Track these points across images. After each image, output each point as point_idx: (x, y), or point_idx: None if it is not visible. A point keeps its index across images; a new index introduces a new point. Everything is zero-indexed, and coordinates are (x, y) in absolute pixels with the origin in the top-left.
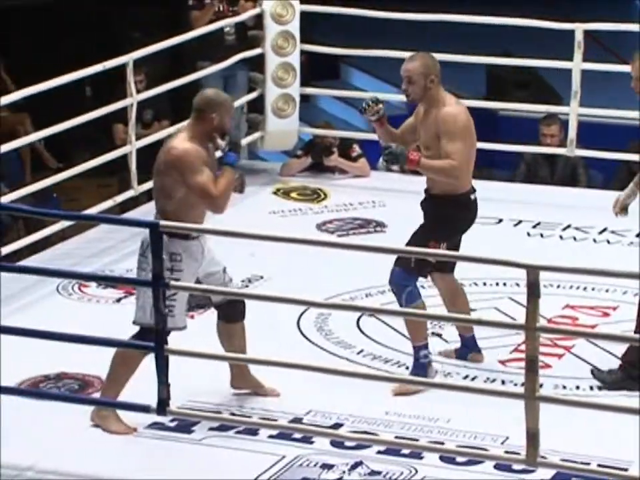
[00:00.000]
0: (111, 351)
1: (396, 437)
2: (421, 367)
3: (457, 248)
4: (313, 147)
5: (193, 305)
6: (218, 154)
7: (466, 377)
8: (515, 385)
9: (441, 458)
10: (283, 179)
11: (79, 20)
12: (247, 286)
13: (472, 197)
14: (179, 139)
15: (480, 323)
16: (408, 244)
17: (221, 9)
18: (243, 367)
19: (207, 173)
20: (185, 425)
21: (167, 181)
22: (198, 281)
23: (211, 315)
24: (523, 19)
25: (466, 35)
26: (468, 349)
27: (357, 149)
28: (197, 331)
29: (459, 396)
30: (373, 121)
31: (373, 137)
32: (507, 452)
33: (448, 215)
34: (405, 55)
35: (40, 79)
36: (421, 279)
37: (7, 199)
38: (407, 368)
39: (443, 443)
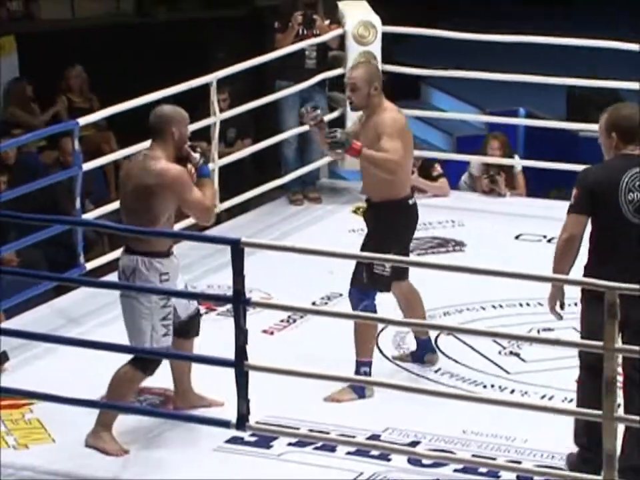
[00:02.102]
0: (193, 366)
1: (473, 456)
2: (359, 388)
3: (406, 252)
4: None
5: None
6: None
7: (543, 396)
8: None
9: (518, 478)
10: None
11: (164, 40)
12: (325, 303)
13: (410, 201)
14: (161, 160)
15: (558, 343)
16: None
17: (305, 32)
18: (187, 386)
19: (196, 189)
20: (263, 440)
21: (156, 202)
22: None
23: (290, 331)
24: (605, 41)
25: (546, 56)
26: (424, 351)
27: (437, 169)
28: (276, 346)
29: (537, 415)
30: (312, 126)
31: (453, 156)
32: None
33: (389, 222)
34: (485, 75)
35: (125, 98)
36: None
37: (92, 215)
38: (485, 387)
39: (520, 462)
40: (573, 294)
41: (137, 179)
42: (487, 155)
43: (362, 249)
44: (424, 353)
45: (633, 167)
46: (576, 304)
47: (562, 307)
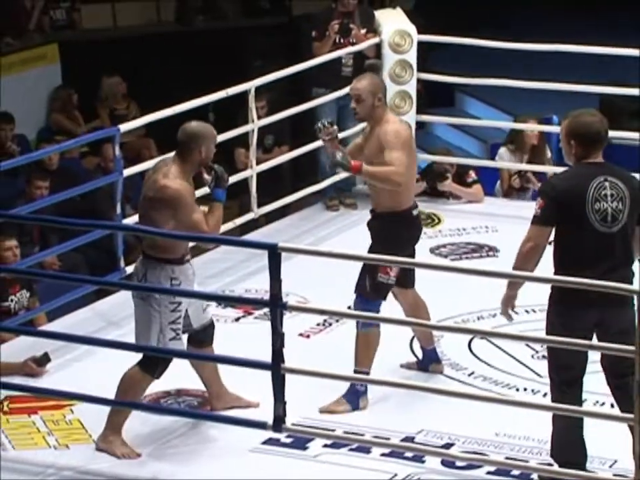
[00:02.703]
0: (231, 369)
1: (506, 458)
2: (354, 393)
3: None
4: (430, 172)
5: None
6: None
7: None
8: None
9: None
10: None
11: (203, 48)
12: None
13: (414, 212)
14: (170, 175)
15: (591, 347)
16: (362, 267)
17: (341, 41)
18: (219, 388)
19: (198, 210)
20: (299, 442)
21: (156, 216)
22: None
23: (325, 335)
24: (635, 49)
25: (579, 63)
26: (430, 361)
27: (472, 175)
28: (313, 349)
29: None
30: (326, 141)
31: (487, 163)
32: (615, 475)
33: (392, 233)
34: (519, 83)
35: (164, 105)
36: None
37: (131, 220)
38: (517, 390)
39: (552, 465)
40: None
41: (146, 189)
42: (519, 141)
43: (365, 268)
44: (429, 363)
45: (597, 175)
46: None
47: (513, 309)
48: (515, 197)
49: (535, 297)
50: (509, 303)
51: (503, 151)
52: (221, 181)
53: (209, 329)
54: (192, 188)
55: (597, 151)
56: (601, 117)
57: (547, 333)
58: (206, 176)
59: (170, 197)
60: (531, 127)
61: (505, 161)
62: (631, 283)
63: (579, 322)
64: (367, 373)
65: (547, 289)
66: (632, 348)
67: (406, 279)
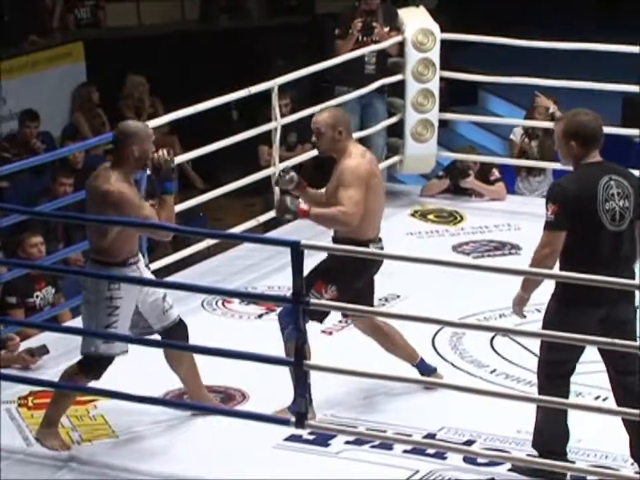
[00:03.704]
0: (254, 365)
1: (528, 455)
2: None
3: (359, 295)
4: (453, 170)
5: (137, 336)
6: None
7: (597, 397)
8: None
9: (571, 477)
10: (421, 200)
11: (226, 47)
12: (383, 305)
13: (372, 245)
14: (109, 179)
15: (614, 345)
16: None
17: (364, 39)
18: (200, 388)
19: (146, 207)
20: (322, 438)
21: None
22: (137, 311)
23: (348, 332)
24: None
25: (603, 62)
26: (426, 373)
27: (495, 173)
28: (335, 346)
29: (590, 416)
30: (291, 189)
31: (510, 161)
32: (637, 472)
33: (342, 260)
34: (542, 82)
35: (188, 104)
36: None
37: None
38: None
39: (573, 462)
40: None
41: (89, 195)
42: (534, 119)
43: (308, 274)
44: (428, 375)
45: (603, 175)
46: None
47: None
48: (525, 178)
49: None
50: (521, 303)
51: (517, 129)
52: (165, 172)
53: (177, 331)
54: (133, 187)
55: (595, 150)
56: (595, 115)
57: (544, 329)
58: (148, 172)
59: (113, 201)
60: (543, 124)
61: (517, 136)
62: (634, 278)
63: (585, 319)
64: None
65: None
66: (636, 344)
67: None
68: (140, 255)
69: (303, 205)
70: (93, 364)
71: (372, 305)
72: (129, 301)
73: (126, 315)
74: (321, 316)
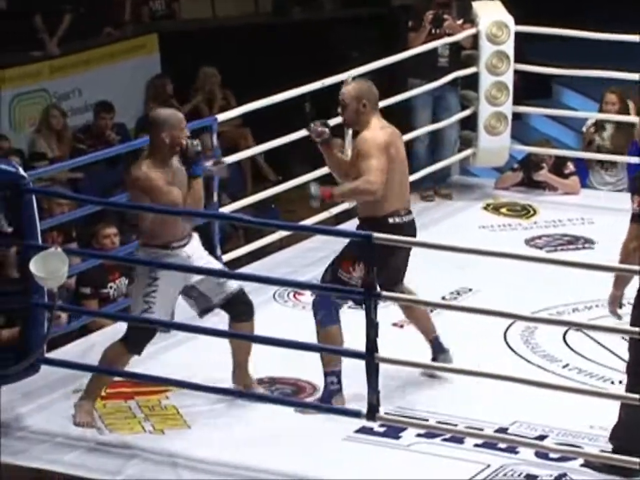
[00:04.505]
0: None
1: (600, 451)
2: (328, 393)
3: (392, 271)
4: (526, 163)
5: (200, 312)
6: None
7: None
8: None
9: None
10: (494, 193)
11: (299, 39)
12: (455, 298)
13: (391, 220)
14: (140, 166)
15: None
16: (331, 264)
17: (437, 31)
18: (243, 366)
19: (173, 191)
20: (393, 431)
21: None
22: (186, 288)
23: None
24: None
25: None
26: (437, 352)
27: (570, 167)
28: (406, 339)
29: None
30: (318, 143)
31: (583, 155)
32: None
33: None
34: (616, 74)
35: (261, 96)
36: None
37: (228, 208)
38: (612, 382)
39: None
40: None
41: (126, 181)
42: (603, 112)
43: (332, 262)
44: (439, 354)
45: None
46: None
47: (620, 307)
48: (598, 172)
49: (631, 290)
50: (615, 302)
51: (589, 121)
52: (191, 156)
53: (238, 303)
54: (165, 171)
55: None
56: None
57: (632, 325)
58: (179, 158)
59: (142, 187)
60: (616, 118)
61: (588, 124)
62: None
63: None
64: (336, 373)
65: None
66: None
67: (391, 281)
68: (190, 240)
69: (325, 189)
70: (134, 338)
71: (402, 279)
72: (166, 282)
73: (165, 297)
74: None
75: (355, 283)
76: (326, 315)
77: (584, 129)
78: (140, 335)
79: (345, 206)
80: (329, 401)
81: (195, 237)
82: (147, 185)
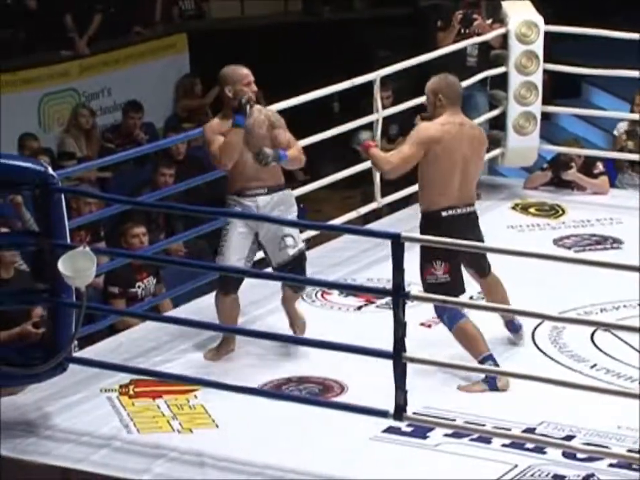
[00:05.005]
0: (352, 357)
1: (628, 451)
2: (490, 379)
3: (462, 262)
4: (556, 162)
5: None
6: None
7: None
8: None
9: None
10: (522, 193)
11: (329, 39)
12: (483, 298)
13: (444, 213)
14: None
15: None
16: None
17: (466, 31)
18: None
19: (214, 143)
20: (420, 431)
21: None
22: (256, 237)
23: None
24: None
25: None
26: (514, 331)
27: (600, 167)
28: (434, 339)
29: None
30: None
31: (613, 155)
32: None
33: (424, 234)
34: None
35: (291, 95)
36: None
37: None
38: None
39: None
40: None
41: None
42: (634, 113)
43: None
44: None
45: None
46: None
47: None
48: (628, 173)
49: None
50: None
51: (620, 125)
52: (237, 107)
53: (288, 266)
54: (220, 125)
55: None
56: None
57: None
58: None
59: (203, 135)
60: None
61: (619, 132)
62: None
63: None
64: (489, 357)
65: None
66: None
67: (479, 266)
68: (269, 193)
69: (371, 142)
70: (222, 279)
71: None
72: (237, 231)
73: (235, 241)
74: (454, 290)
75: (445, 280)
76: (449, 316)
77: (615, 133)
78: (224, 277)
79: (373, 205)
80: (494, 385)
81: (282, 196)
82: (204, 134)
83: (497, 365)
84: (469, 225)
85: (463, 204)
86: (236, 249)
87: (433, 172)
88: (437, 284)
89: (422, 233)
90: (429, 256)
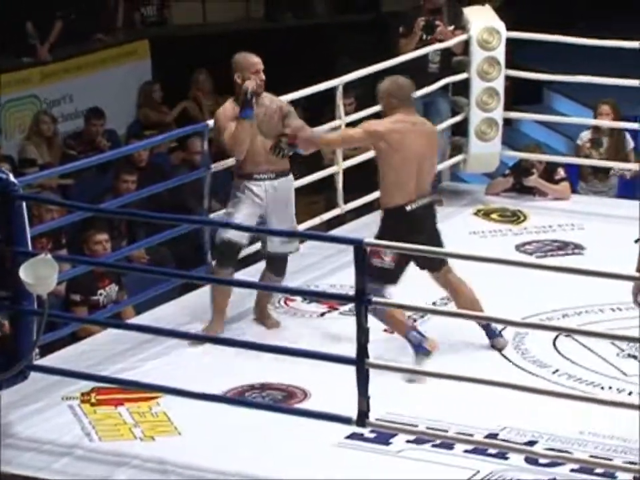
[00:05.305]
0: (316, 363)
1: (590, 456)
2: (417, 345)
3: (428, 236)
4: (517, 168)
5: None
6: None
7: None
8: None
9: (635, 479)
10: (484, 199)
11: (291, 45)
12: (445, 304)
13: (408, 207)
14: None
15: None
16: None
17: (428, 37)
18: (264, 305)
19: (225, 132)
20: (383, 437)
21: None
22: (262, 219)
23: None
24: None
25: None
26: (492, 337)
27: (561, 173)
28: (396, 345)
29: None
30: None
31: (574, 160)
32: None
33: (383, 227)
34: (606, 80)
35: None
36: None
37: (218, 214)
38: (602, 388)
39: (636, 464)
40: None
41: None
42: (596, 130)
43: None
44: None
45: None
46: None
47: None
48: (592, 184)
49: (621, 296)
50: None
51: (583, 134)
52: (242, 100)
53: (279, 260)
54: (232, 110)
55: None
56: None
57: None
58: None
59: (214, 121)
60: (610, 124)
61: (582, 140)
62: None
63: None
64: (412, 326)
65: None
66: None
67: (425, 263)
68: (277, 178)
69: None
70: (220, 252)
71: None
72: (247, 203)
73: (245, 210)
74: (392, 278)
75: (389, 267)
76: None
77: (579, 142)
78: (218, 252)
79: (336, 212)
80: (424, 349)
81: (285, 182)
82: (216, 119)
83: (421, 335)
84: (427, 217)
85: (420, 196)
86: (245, 219)
87: (388, 169)
88: (380, 268)
89: (383, 227)
90: (387, 237)
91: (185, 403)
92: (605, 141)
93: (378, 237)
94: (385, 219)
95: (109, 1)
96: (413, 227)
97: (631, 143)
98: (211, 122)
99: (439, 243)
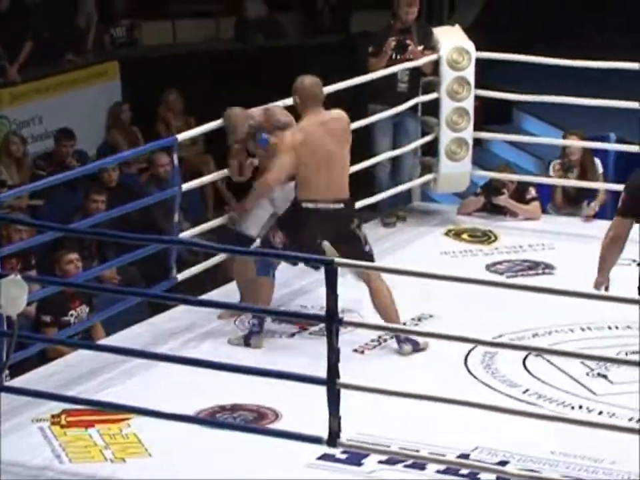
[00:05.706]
0: (286, 384)
1: (562, 477)
2: (249, 334)
3: (307, 238)
4: (488, 188)
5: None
6: None
7: (631, 418)
8: None
9: None
10: (455, 219)
11: (261, 66)
12: (416, 324)
13: (304, 205)
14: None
15: None
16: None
17: (398, 57)
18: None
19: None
20: (354, 457)
21: None
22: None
23: (380, 351)
24: None
25: (636, 82)
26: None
27: (532, 193)
28: (367, 365)
29: (624, 437)
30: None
31: (543, 180)
32: None
33: (286, 212)
34: (576, 100)
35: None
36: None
37: (188, 233)
38: (572, 407)
39: None
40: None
41: None
42: (565, 155)
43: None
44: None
45: None
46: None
47: (606, 290)
48: (568, 209)
49: (591, 315)
50: (599, 287)
51: (554, 162)
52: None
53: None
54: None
55: None
56: None
57: None
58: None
59: None
60: (580, 144)
61: (556, 168)
62: None
63: None
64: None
65: (602, 306)
66: None
67: (310, 248)
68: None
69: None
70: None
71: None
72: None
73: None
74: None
75: (276, 246)
76: (260, 266)
77: (550, 169)
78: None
79: None
80: (248, 341)
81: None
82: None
83: (260, 327)
84: (335, 223)
85: (330, 199)
86: (259, 224)
87: (299, 169)
88: (269, 246)
89: (281, 218)
90: (284, 222)
91: (155, 424)
92: (576, 170)
93: (277, 223)
94: (285, 212)
95: (79, 22)
96: (312, 226)
97: (600, 168)
98: (180, 136)
99: (357, 254)
